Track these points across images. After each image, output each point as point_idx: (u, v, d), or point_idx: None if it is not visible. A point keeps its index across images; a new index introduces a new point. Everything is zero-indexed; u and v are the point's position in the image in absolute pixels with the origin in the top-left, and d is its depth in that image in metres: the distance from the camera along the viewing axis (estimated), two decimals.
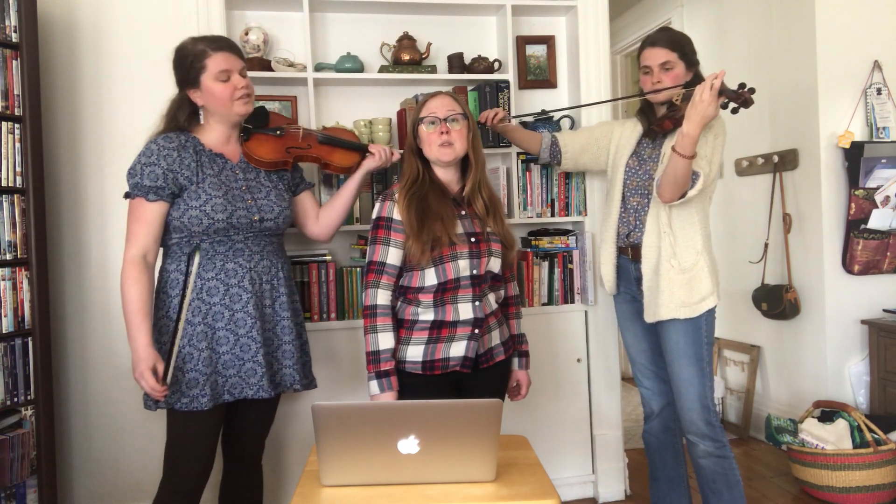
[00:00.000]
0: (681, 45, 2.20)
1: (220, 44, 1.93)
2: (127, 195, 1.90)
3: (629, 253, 2.28)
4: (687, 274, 2.15)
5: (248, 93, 1.96)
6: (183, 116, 1.96)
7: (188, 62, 1.90)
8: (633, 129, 2.35)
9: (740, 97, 2.01)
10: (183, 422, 1.88)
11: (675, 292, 2.14)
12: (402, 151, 2.19)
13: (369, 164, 2.22)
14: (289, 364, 2.01)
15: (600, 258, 2.38)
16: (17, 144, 2.25)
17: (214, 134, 1.99)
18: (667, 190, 2.07)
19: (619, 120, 2.55)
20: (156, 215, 1.87)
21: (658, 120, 2.21)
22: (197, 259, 1.85)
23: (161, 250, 1.96)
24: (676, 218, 2.17)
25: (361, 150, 2.24)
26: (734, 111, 2.05)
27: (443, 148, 1.92)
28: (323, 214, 2.23)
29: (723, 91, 1.99)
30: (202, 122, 1.98)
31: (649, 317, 2.21)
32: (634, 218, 2.25)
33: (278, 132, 2.09)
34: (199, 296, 1.89)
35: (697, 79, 2.21)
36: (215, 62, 1.90)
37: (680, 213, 2.17)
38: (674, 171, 2.03)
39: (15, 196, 2.24)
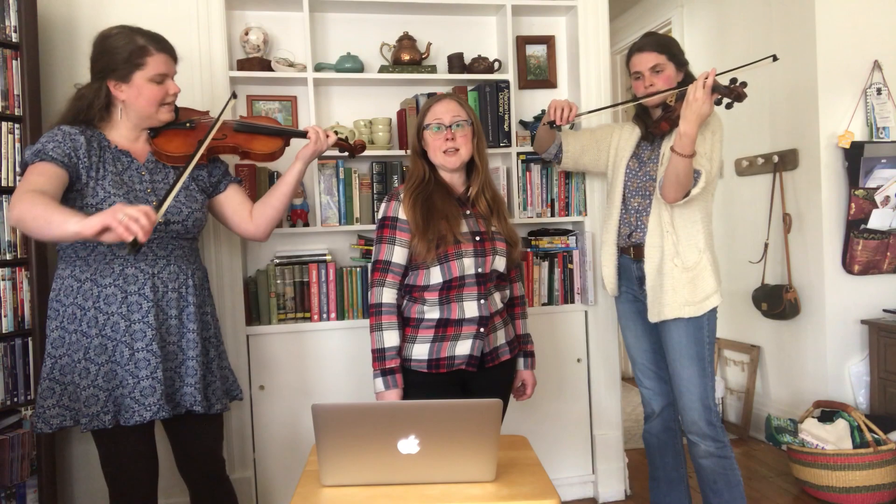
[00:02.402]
0: (668, 47, 2.22)
1: (164, 45, 1.82)
2: (24, 165, 1.70)
3: (631, 252, 2.28)
4: (690, 272, 2.15)
5: (175, 100, 1.86)
6: (97, 109, 1.80)
7: (124, 54, 1.76)
8: (631, 132, 2.36)
9: (733, 92, 2.02)
10: (111, 438, 1.75)
11: (678, 291, 2.14)
12: (341, 136, 2.10)
13: (305, 152, 2.02)
14: (190, 382, 1.81)
15: (601, 260, 2.38)
16: (17, 144, 2.24)
17: (123, 131, 1.84)
18: (670, 190, 2.08)
19: (618, 123, 2.56)
20: (59, 175, 1.66)
21: (655, 122, 2.23)
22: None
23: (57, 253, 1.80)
24: (679, 217, 2.17)
25: (285, 136, 2.06)
26: (728, 106, 2.07)
27: (448, 155, 1.93)
28: (257, 211, 2.02)
29: (715, 88, 2.01)
30: (113, 118, 1.83)
31: (653, 316, 2.21)
32: (635, 219, 2.26)
33: (188, 124, 1.92)
34: (95, 304, 1.73)
35: (689, 79, 2.22)
36: (156, 63, 1.79)
37: (682, 212, 2.17)
38: (675, 171, 2.04)
39: None
